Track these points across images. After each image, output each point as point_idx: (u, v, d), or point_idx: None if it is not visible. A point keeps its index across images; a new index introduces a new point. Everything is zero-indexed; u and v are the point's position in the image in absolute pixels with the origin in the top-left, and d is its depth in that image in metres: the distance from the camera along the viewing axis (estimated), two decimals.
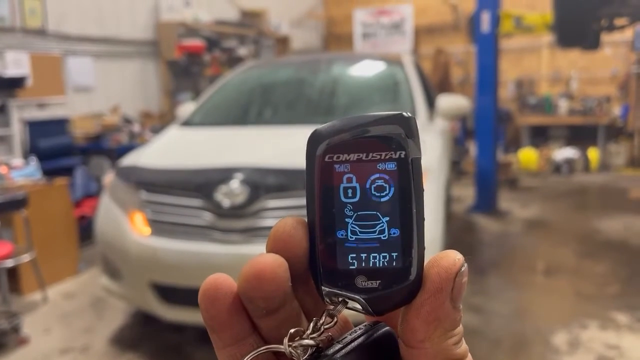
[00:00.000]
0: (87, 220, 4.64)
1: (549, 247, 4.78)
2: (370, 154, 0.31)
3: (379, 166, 0.31)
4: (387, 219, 0.31)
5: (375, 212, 0.31)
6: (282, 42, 9.56)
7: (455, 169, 7.15)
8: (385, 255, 0.31)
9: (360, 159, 0.31)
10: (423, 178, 0.32)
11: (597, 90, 8.94)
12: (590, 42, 4.62)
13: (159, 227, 2.82)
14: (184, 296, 2.78)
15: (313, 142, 0.32)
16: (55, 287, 4.04)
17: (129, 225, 2.88)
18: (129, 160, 3.31)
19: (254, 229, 2.69)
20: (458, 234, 5.13)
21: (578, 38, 4.60)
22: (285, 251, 0.31)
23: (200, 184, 2.80)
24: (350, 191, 0.31)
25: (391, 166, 0.31)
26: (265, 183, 2.74)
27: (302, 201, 2.88)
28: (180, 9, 7.15)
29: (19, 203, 3.56)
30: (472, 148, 7.15)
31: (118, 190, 3.05)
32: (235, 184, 2.73)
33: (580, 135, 8.60)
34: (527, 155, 8.27)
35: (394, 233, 0.31)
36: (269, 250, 0.31)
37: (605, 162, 8.22)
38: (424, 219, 0.31)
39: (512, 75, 9.26)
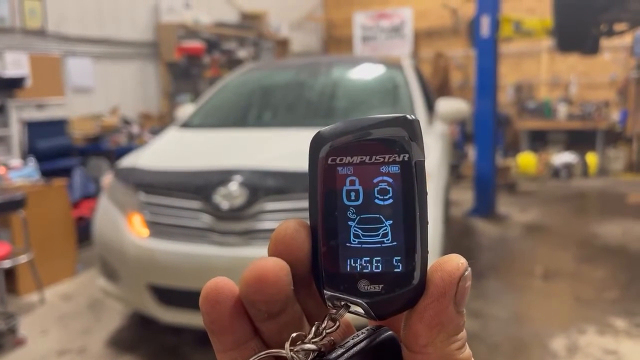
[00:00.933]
0: (86, 221, 4.63)
1: (547, 252, 4.77)
2: (374, 157, 0.31)
3: (383, 169, 0.31)
4: (391, 222, 0.31)
5: (378, 216, 0.31)
6: (282, 45, 9.57)
7: (454, 173, 7.15)
8: (388, 259, 0.31)
9: (364, 161, 0.31)
10: (425, 178, 0.32)
11: (596, 95, 8.95)
12: (590, 47, 4.63)
13: (157, 228, 2.82)
14: (181, 298, 2.77)
15: (316, 144, 0.32)
16: (52, 288, 4.03)
17: (127, 227, 2.87)
18: (127, 161, 3.30)
19: (252, 231, 2.69)
20: (457, 238, 5.13)
21: (577, 43, 4.60)
22: (287, 254, 0.30)
23: (199, 185, 2.80)
24: (353, 194, 0.31)
25: (394, 169, 0.31)
26: (264, 185, 2.73)
27: (301, 204, 2.88)
28: (180, 10, 7.16)
29: (17, 204, 3.55)
30: (471, 152, 7.15)
31: (117, 192, 3.05)
32: (234, 186, 2.73)
33: (579, 140, 8.61)
34: (526, 160, 8.27)
35: (398, 237, 0.31)
36: (270, 254, 0.31)
37: (604, 167, 8.23)
38: (427, 223, 0.31)
39: (511, 79, 9.27)
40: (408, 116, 0.31)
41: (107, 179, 3.25)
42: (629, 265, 4.32)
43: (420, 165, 0.31)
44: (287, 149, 3.10)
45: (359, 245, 0.31)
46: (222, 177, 2.78)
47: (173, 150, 3.43)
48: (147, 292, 2.83)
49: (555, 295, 3.87)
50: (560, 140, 8.87)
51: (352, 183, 0.31)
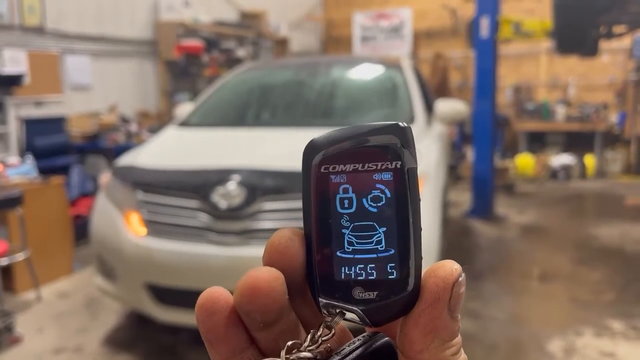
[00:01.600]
0: (83, 219, 4.63)
1: (545, 253, 4.78)
2: (367, 165, 0.31)
3: (375, 176, 0.31)
4: (384, 229, 0.31)
5: (372, 223, 0.31)
6: (281, 44, 9.56)
7: (453, 174, 7.15)
8: (383, 266, 0.31)
9: (357, 169, 0.31)
10: (420, 185, 0.32)
11: (595, 97, 8.97)
12: (589, 49, 4.64)
13: (155, 227, 2.81)
14: (179, 298, 2.77)
15: (309, 152, 0.32)
16: (49, 287, 4.02)
17: (124, 226, 2.87)
18: (125, 160, 3.29)
19: (250, 231, 2.68)
20: (454, 238, 5.13)
21: (577, 45, 4.61)
22: (282, 263, 0.30)
23: (197, 185, 2.79)
24: (346, 202, 0.31)
25: (387, 176, 0.31)
26: (262, 185, 2.73)
27: (299, 204, 2.90)
28: (179, 9, 7.15)
29: (14, 201, 3.55)
30: (470, 153, 7.15)
31: (114, 190, 3.04)
32: (232, 185, 2.72)
33: (577, 142, 8.62)
34: (524, 161, 8.28)
35: (391, 244, 0.31)
36: (265, 263, 0.31)
37: (602, 169, 8.24)
38: (421, 229, 0.31)
39: (510, 80, 9.28)
40: (400, 124, 0.31)
41: (105, 177, 3.25)
42: (626, 268, 4.33)
43: (413, 172, 0.31)
44: (286, 148, 3.09)
45: (353, 253, 0.31)
46: (220, 176, 2.77)
47: (171, 149, 3.42)
48: (144, 291, 2.82)
49: (552, 297, 3.87)
50: (558, 142, 8.88)
51: (346, 191, 0.31)
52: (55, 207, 4.23)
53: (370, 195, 0.31)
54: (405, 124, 0.31)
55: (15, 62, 5.14)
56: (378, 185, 0.31)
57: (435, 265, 0.30)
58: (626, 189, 7.26)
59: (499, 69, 6.04)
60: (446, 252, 3.67)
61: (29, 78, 5.14)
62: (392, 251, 0.31)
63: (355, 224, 0.31)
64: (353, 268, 0.31)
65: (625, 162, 8.23)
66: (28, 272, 3.77)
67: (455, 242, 4.99)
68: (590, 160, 8.14)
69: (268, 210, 2.70)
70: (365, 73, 4.30)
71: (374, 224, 0.31)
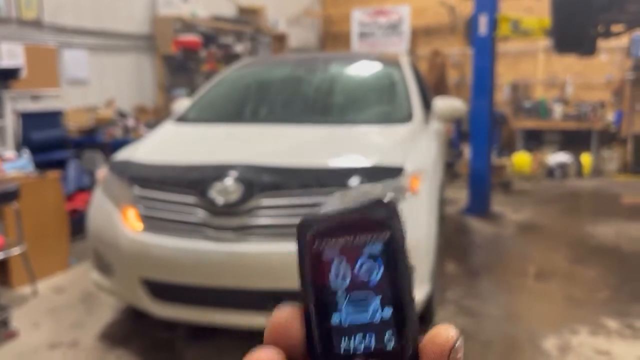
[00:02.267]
0: (79, 214, 4.61)
1: (541, 251, 4.79)
2: (358, 237, 0.32)
3: (367, 249, 0.32)
4: (379, 299, 0.32)
5: (367, 294, 0.32)
6: (279, 40, 9.54)
7: (450, 171, 7.16)
8: (381, 336, 0.32)
9: (348, 242, 0.33)
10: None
11: (592, 96, 8.98)
12: (587, 48, 4.64)
13: (151, 223, 2.80)
14: (175, 293, 2.77)
15: (302, 229, 0.33)
16: (45, 281, 4.01)
17: (121, 221, 2.86)
18: (123, 155, 3.28)
19: (247, 227, 2.68)
20: (451, 236, 5.14)
21: (575, 43, 4.61)
22: (283, 340, 0.32)
23: (194, 180, 2.78)
24: (341, 275, 0.33)
25: (378, 248, 0.32)
26: (259, 181, 2.72)
27: (296, 200, 2.87)
28: (177, 4, 7.12)
29: (10, 195, 3.53)
30: (467, 150, 7.16)
31: (111, 185, 3.03)
32: (229, 181, 2.72)
33: (573, 140, 8.63)
34: (521, 159, 8.29)
35: (387, 313, 0.32)
36: (266, 341, 0.32)
37: (598, 167, 8.26)
38: (414, 298, 0.33)
39: (507, 78, 9.28)
40: (384, 200, 0.33)
41: (102, 172, 3.24)
42: (622, 266, 4.34)
43: (402, 242, 0.33)
44: (283, 145, 3.08)
45: (351, 324, 0.32)
46: (218, 172, 2.77)
47: (168, 145, 3.42)
48: (140, 286, 2.82)
49: (548, 295, 3.88)
50: (555, 140, 8.89)
51: (339, 264, 0.33)
52: (52, 202, 4.22)
53: (364, 267, 0.32)
54: (390, 199, 0.33)
55: (12, 55, 5.11)
56: (370, 257, 0.32)
57: (431, 332, 0.32)
58: (622, 187, 7.28)
59: (496, 66, 6.04)
60: (443, 250, 3.68)
61: (25, 72, 5.11)
62: (389, 321, 0.32)
63: (351, 296, 0.32)
64: (352, 339, 0.32)
65: (622, 161, 8.25)
66: (24, 266, 3.76)
67: (452, 240, 5.00)
68: (586, 158, 8.15)
69: (265, 207, 2.69)
70: (363, 70, 4.29)
71: (369, 295, 0.32)
